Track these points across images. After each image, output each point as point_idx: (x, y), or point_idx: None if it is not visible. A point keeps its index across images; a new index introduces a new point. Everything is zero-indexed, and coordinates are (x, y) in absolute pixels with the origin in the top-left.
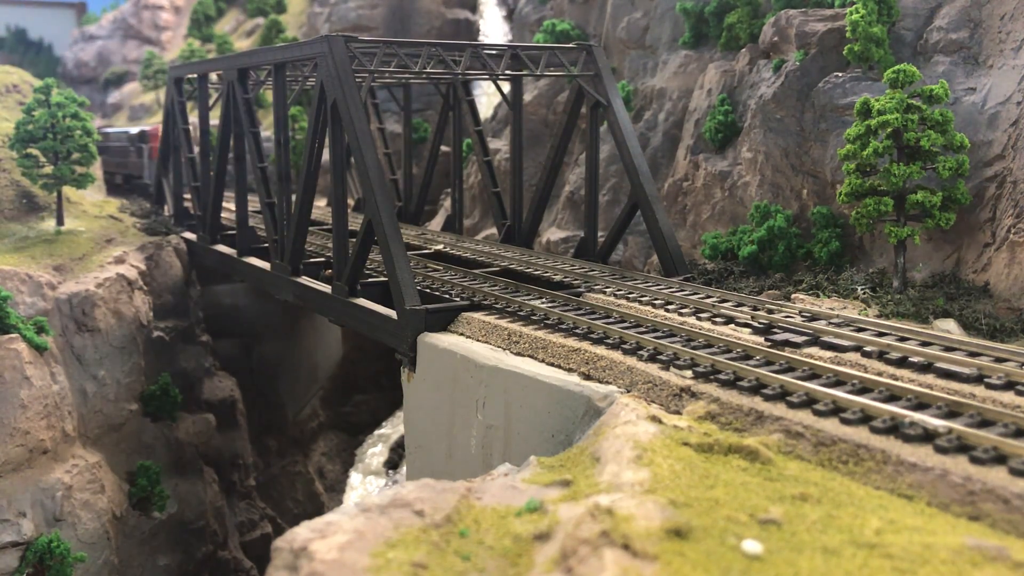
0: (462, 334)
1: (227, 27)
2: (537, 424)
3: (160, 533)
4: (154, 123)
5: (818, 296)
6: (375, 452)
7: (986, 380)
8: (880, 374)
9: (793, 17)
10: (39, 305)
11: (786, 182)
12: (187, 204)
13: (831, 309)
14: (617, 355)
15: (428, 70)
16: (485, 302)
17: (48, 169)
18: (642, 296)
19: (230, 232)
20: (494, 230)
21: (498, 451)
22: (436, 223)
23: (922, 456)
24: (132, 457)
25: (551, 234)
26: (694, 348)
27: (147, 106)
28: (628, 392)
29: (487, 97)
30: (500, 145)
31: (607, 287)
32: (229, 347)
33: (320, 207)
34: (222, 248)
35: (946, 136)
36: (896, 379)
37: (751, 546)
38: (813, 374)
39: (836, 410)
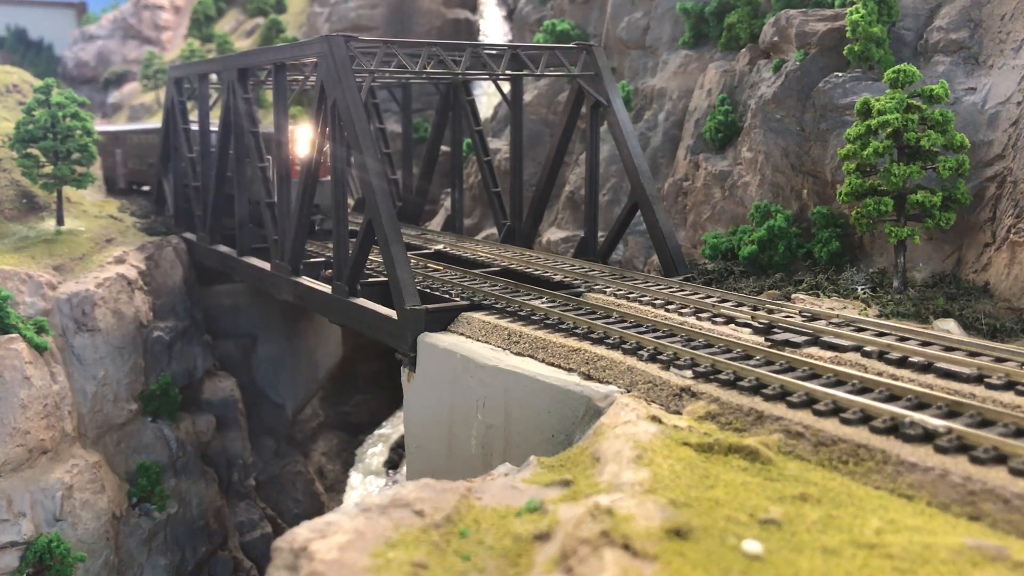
0: (462, 334)
1: (227, 27)
2: (537, 424)
3: (160, 533)
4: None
5: (818, 296)
6: (375, 452)
7: (986, 380)
8: (880, 374)
9: (793, 17)
10: (39, 305)
11: (786, 182)
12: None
13: (831, 309)
14: (617, 355)
15: (428, 70)
16: (485, 302)
17: (48, 169)
18: (642, 296)
19: (230, 232)
20: (494, 230)
21: (498, 451)
22: (436, 223)
23: (922, 456)
24: (132, 457)
25: (551, 234)
26: (694, 348)
27: (147, 106)
28: (628, 392)
29: (487, 97)
30: (500, 145)
31: (607, 287)
32: (229, 347)
33: None
34: (222, 248)
35: (946, 136)
36: (896, 379)
37: (751, 546)
38: (813, 374)
39: (836, 410)
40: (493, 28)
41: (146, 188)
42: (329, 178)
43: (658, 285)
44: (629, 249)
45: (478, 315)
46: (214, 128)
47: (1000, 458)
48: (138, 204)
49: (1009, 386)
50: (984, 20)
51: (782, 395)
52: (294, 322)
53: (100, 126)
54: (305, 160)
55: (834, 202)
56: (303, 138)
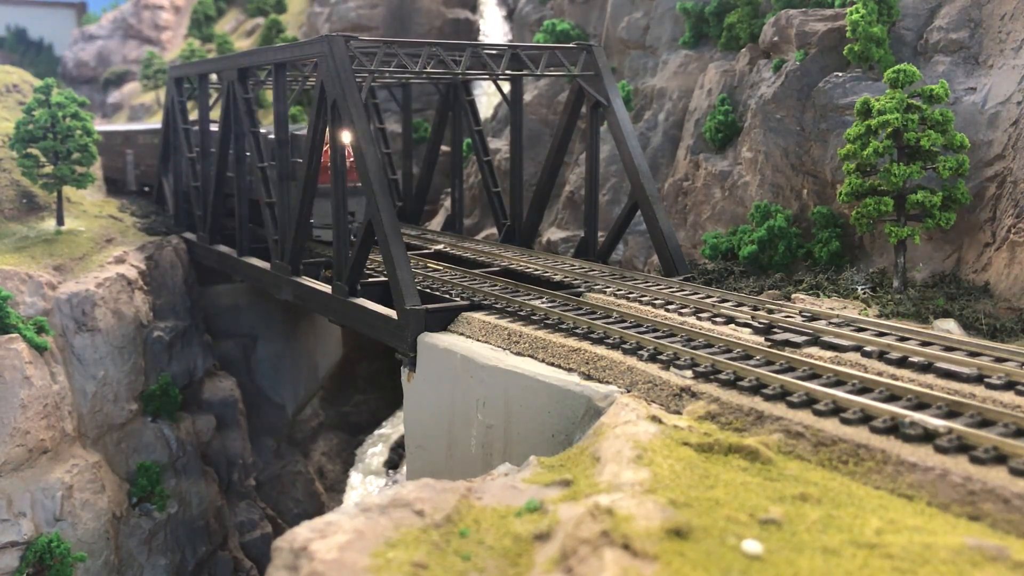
0: (462, 334)
1: (227, 27)
2: (537, 424)
3: (160, 533)
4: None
5: (818, 296)
6: (375, 452)
7: (986, 380)
8: (880, 374)
9: (793, 17)
10: (39, 305)
11: (786, 182)
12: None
13: (831, 309)
14: (617, 355)
15: (428, 70)
16: (485, 302)
17: (48, 169)
18: (642, 296)
19: (230, 232)
20: (494, 230)
21: (498, 451)
22: (436, 223)
23: (922, 456)
24: (132, 457)
25: (551, 234)
26: (694, 348)
27: (147, 106)
28: (628, 392)
29: (487, 97)
30: (500, 145)
31: (607, 287)
32: (229, 347)
33: None
34: (222, 248)
35: (946, 136)
36: (896, 379)
37: (751, 546)
38: (813, 374)
39: (836, 410)
40: (493, 28)
41: None
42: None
43: (658, 285)
44: (629, 249)
45: (478, 315)
46: (214, 128)
47: (1000, 458)
48: (138, 204)
49: (1009, 386)
50: (984, 20)
51: (782, 395)
52: (294, 322)
53: (111, 126)
54: (305, 160)
55: (834, 202)
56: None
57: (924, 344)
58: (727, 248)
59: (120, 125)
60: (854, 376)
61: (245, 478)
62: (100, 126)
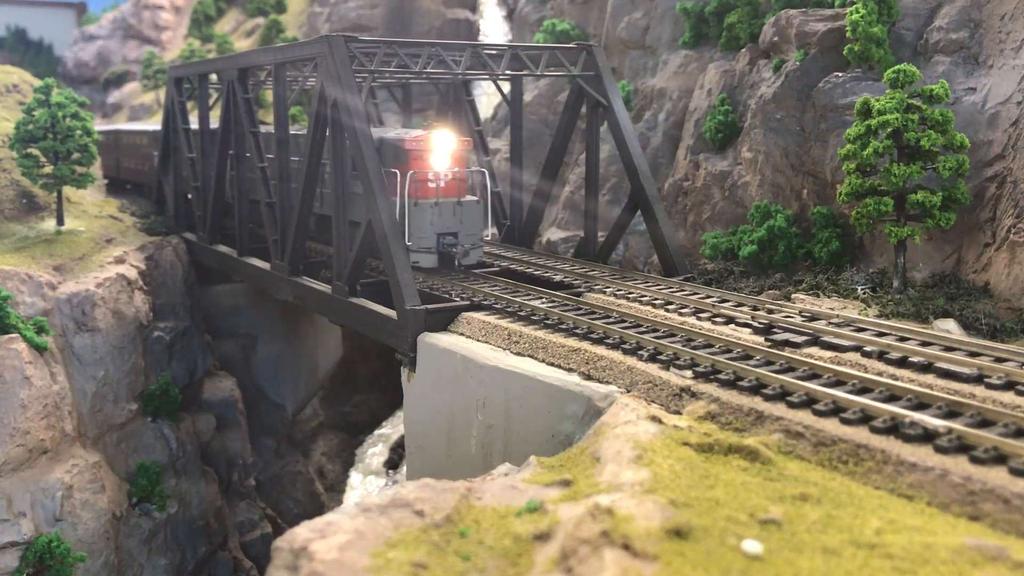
0: (462, 334)
1: (227, 27)
2: (537, 424)
3: (160, 533)
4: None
5: (818, 296)
6: (375, 452)
7: (986, 380)
8: (880, 374)
9: (793, 17)
10: (39, 305)
11: (786, 182)
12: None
13: (831, 309)
14: (617, 355)
15: (428, 70)
16: (485, 302)
17: (48, 169)
18: (642, 296)
19: (230, 232)
20: (494, 230)
21: (498, 451)
22: None
23: (922, 456)
24: (132, 457)
25: (551, 234)
26: (694, 348)
27: (147, 106)
28: (628, 392)
29: (487, 97)
30: (500, 145)
31: (607, 287)
32: (229, 347)
33: None
34: (222, 248)
35: (946, 136)
36: (896, 379)
37: (751, 546)
38: (813, 374)
39: (836, 410)
40: (493, 28)
41: None
42: (472, 197)
43: (658, 285)
44: (629, 249)
45: (478, 315)
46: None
47: (1000, 458)
48: (138, 204)
49: (1009, 386)
50: (984, 20)
51: (782, 395)
52: (294, 322)
53: (135, 126)
54: (306, 159)
55: (834, 202)
56: (441, 147)
57: (924, 344)
58: (727, 248)
59: (147, 125)
60: (854, 376)
61: (245, 478)
62: (124, 126)
